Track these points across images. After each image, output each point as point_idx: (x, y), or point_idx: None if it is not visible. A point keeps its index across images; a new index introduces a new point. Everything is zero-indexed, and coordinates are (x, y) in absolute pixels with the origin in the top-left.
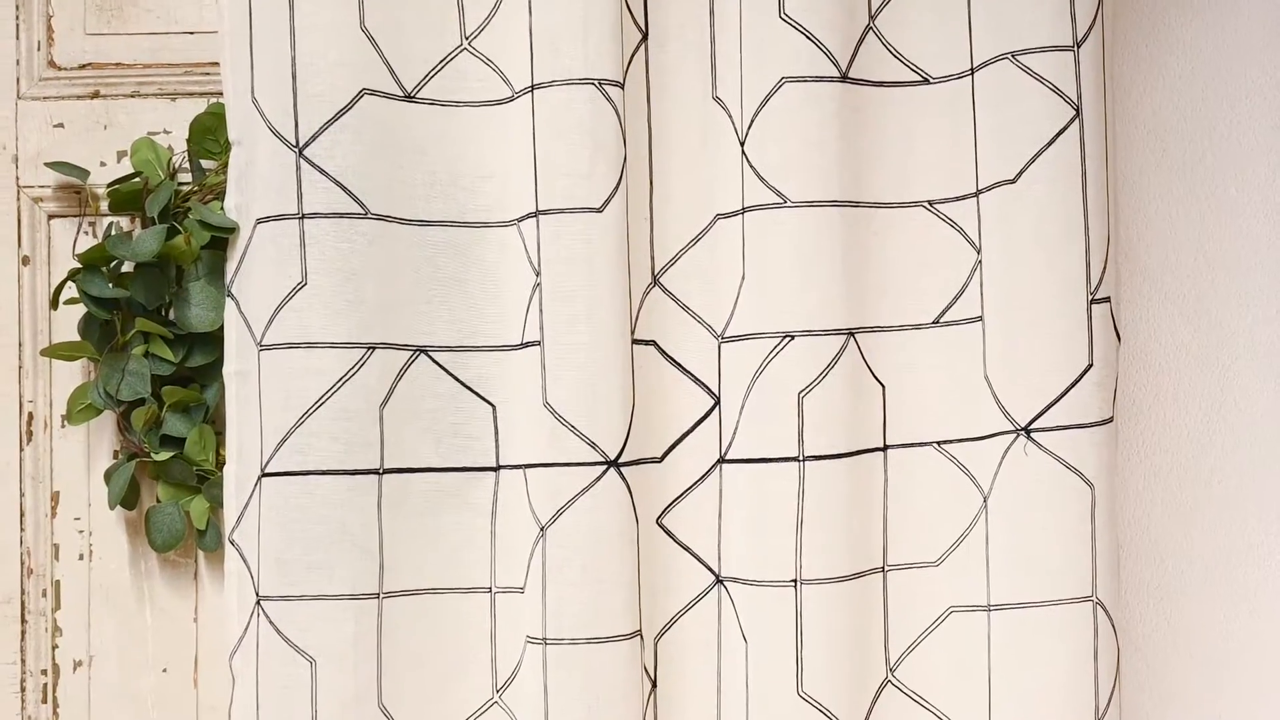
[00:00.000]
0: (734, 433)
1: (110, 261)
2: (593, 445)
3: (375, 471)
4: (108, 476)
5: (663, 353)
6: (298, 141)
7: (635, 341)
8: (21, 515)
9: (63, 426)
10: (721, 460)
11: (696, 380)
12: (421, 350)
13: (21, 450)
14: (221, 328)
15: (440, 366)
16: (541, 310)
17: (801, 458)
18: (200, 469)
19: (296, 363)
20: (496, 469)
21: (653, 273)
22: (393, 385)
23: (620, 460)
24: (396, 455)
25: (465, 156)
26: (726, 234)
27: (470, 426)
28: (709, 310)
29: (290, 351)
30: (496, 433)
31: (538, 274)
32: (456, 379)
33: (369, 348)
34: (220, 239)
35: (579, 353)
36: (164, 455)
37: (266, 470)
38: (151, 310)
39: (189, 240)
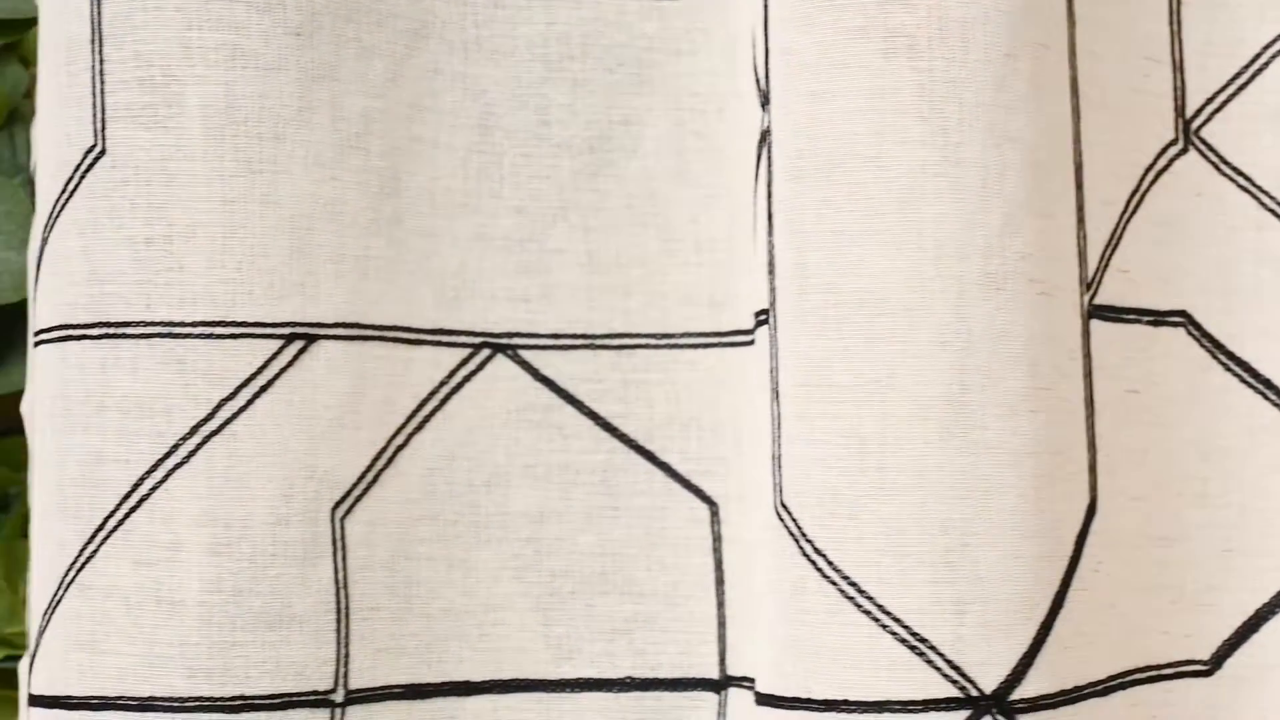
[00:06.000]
0: None
1: None
2: (947, 667)
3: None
4: None
5: (1213, 346)
6: None
7: (1100, 312)
8: None
9: None
10: None
11: None
12: (498, 345)
13: None
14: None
15: (559, 393)
16: (771, 213)
17: None
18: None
19: (83, 379)
20: (721, 685)
21: (1180, 114)
22: (379, 467)
23: (1014, 701)
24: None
25: None
26: None
27: (647, 565)
28: None
29: (67, 346)
30: (720, 582)
31: (765, 99)
32: (608, 428)
33: (293, 337)
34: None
35: (879, 333)
36: None
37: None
38: None
39: None
